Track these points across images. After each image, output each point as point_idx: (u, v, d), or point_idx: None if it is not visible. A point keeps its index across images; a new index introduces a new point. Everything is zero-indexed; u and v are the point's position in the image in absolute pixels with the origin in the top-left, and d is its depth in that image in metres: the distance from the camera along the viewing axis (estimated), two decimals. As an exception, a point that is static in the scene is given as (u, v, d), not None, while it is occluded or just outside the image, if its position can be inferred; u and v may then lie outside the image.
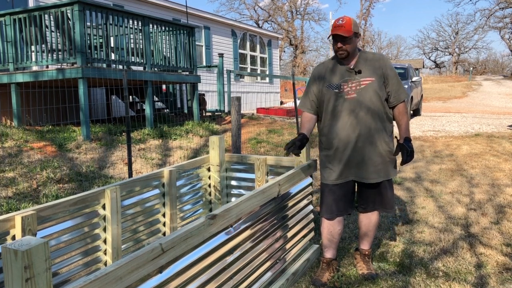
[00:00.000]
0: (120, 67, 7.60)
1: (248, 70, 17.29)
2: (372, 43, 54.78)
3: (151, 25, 8.18)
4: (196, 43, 11.39)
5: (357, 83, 2.76)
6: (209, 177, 3.84)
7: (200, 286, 2.01)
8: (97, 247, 2.64)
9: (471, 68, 51.74)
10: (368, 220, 3.01)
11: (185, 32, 9.05)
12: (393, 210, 2.98)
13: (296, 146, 2.79)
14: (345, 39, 2.70)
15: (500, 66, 65.99)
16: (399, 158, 2.86)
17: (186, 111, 11.23)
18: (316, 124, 3.03)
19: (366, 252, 3.09)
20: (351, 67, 2.78)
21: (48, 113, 8.33)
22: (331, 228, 2.94)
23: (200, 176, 3.74)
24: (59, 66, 7.47)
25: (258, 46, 18.05)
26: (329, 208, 2.89)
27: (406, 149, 2.77)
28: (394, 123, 2.95)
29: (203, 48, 14.36)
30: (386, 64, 2.80)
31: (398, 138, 2.87)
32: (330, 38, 2.76)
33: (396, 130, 2.90)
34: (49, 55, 7.15)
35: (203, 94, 11.23)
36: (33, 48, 7.22)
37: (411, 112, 14.21)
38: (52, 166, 5.27)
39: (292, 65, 44.98)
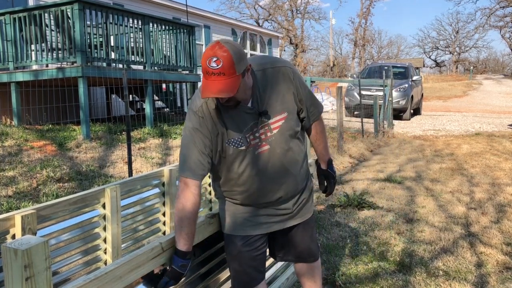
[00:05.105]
0: (120, 66, 7.60)
1: (248, 69, 17.30)
2: (372, 42, 54.85)
3: (151, 24, 8.17)
4: (196, 42, 11.37)
5: (266, 129, 1.84)
6: (209, 176, 3.84)
7: (200, 286, 2.01)
8: (97, 246, 2.63)
9: (472, 67, 51.71)
10: (310, 277, 2.22)
11: (185, 31, 9.04)
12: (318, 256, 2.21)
13: None
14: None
15: (500, 65, 65.91)
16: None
17: (186, 110, 11.23)
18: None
19: None
20: (249, 105, 1.81)
21: (48, 112, 8.32)
22: None
23: (200, 175, 3.73)
24: (59, 65, 7.46)
25: (258, 45, 18.03)
26: (250, 274, 1.94)
27: (332, 176, 2.12)
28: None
29: (204, 47, 14.35)
30: (292, 77, 1.88)
31: (320, 162, 2.14)
32: (207, 98, 1.76)
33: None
34: (49, 54, 7.15)
35: None
36: (33, 47, 7.21)
37: (412, 111, 14.21)
38: (52, 165, 5.26)
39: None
